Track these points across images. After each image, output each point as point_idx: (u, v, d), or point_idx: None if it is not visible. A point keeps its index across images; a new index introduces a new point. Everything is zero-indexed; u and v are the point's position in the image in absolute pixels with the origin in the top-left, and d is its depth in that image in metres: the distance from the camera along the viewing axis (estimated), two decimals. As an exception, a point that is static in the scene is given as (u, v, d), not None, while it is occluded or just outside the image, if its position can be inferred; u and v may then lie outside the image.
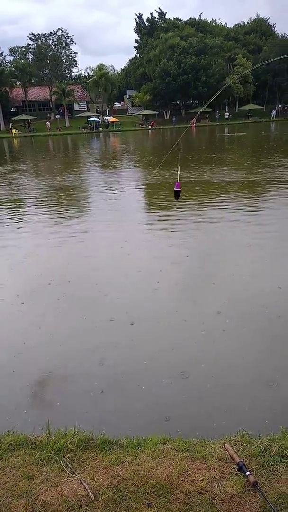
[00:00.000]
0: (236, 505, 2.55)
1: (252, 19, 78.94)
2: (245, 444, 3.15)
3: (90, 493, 2.61)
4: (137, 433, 3.46)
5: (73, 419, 3.63)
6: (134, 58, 78.76)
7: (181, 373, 4.50)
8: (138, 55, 77.22)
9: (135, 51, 79.72)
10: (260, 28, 75.13)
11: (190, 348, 5.03)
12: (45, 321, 5.74)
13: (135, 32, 78.36)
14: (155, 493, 2.63)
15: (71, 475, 2.79)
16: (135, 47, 79.06)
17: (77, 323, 5.67)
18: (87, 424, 3.53)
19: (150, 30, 75.41)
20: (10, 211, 13.56)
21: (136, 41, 78.56)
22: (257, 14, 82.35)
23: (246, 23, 79.62)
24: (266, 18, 78.09)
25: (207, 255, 8.36)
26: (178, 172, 4.49)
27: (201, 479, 2.75)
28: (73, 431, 3.30)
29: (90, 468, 2.85)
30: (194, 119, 61.60)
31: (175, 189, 4.27)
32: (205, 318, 5.69)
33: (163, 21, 76.83)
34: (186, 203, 12.61)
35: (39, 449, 3.07)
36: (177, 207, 12.17)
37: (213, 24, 79.55)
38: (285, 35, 73.61)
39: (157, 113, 66.82)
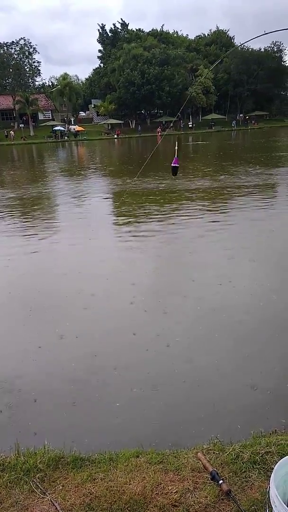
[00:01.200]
0: (210, 515, 2.54)
1: (212, 31, 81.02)
2: (217, 452, 3.16)
3: (62, 514, 2.54)
4: (109, 447, 3.41)
5: (42, 437, 3.53)
6: (98, 67, 79.07)
7: (151, 385, 4.48)
8: (102, 65, 77.57)
9: (99, 61, 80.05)
10: (220, 40, 77.11)
11: (160, 359, 5.02)
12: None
13: (99, 43, 78.79)
14: (129, 509, 2.59)
15: (42, 496, 2.70)
16: (98, 57, 79.39)
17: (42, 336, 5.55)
18: (58, 441, 3.44)
19: (113, 40, 76.01)
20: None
21: (99, 51, 78.95)
22: (217, 26, 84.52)
23: (206, 34, 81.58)
24: (225, 30, 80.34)
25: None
26: (176, 148, 4.35)
27: (174, 491, 2.73)
28: (42, 450, 3.21)
29: (61, 487, 2.77)
30: (159, 128, 62.55)
31: (172, 165, 4.22)
32: (171, 327, 5.70)
33: (125, 32, 77.65)
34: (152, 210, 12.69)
35: (7, 470, 2.95)
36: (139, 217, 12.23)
37: (175, 35, 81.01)
38: (245, 47, 76.02)
39: (122, 122, 67.23)
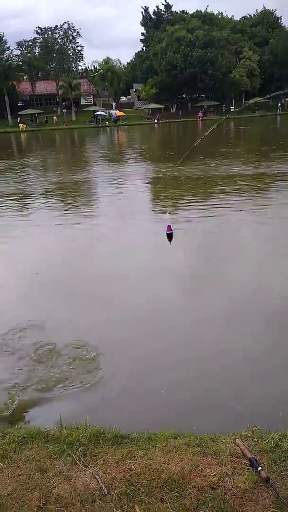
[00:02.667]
0: (248, 500, 2.55)
1: (258, 11, 77.77)
2: (256, 440, 3.14)
3: (103, 487, 2.63)
4: (147, 428, 3.48)
5: (84, 413, 3.66)
6: (140, 51, 78.09)
7: (191, 369, 4.51)
8: (144, 48, 76.59)
9: (141, 45, 79.05)
10: (267, 21, 73.99)
11: (200, 345, 5.03)
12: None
13: (142, 25, 77.72)
14: (168, 488, 2.64)
15: (84, 468, 2.81)
16: (141, 40, 78.41)
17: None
18: (97, 419, 3.55)
19: (156, 23, 74.70)
20: (16, 205, 13.60)
21: (142, 34, 77.92)
22: (263, 7, 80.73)
23: (252, 15, 78.43)
24: (272, 10, 76.92)
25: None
26: (167, 214, 4.37)
27: (213, 474, 2.75)
28: (84, 425, 3.32)
29: (102, 462, 2.86)
30: (200, 112, 61.28)
31: (167, 232, 4.15)
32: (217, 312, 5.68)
33: (169, 14, 76.05)
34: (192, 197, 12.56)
35: (51, 442, 3.09)
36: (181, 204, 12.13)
37: (220, 16, 78.38)
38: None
39: (163, 106, 66.35)
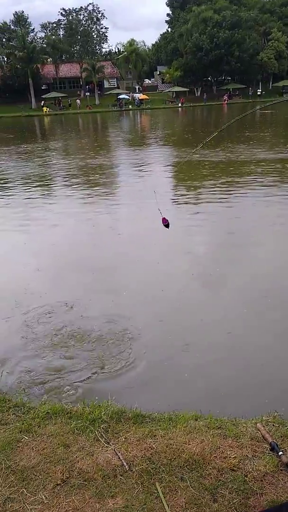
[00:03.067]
0: (268, 484, 2.56)
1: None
2: (277, 425, 3.14)
3: (125, 463, 2.68)
4: (168, 409, 3.52)
5: (105, 393, 3.72)
6: (165, 32, 76.65)
7: (212, 352, 4.52)
8: (169, 29, 75.13)
9: (166, 26, 77.64)
10: (299, -1, 71.33)
11: (222, 327, 5.02)
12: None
13: (167, 6, 76.29)
14: (188, 467, 2.67)
15: (106, 445, 2.87)
16: (166, 21, 77.11)
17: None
18: (119, 398, 3.62)
19: (182, 3, 73.03)
20: (39, 188, 13.73)
21: (168, 15, 76.61)
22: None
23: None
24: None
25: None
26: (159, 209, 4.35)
27: (233, 456, 2.77)
28: (106, 403, 3.39)
29: (124, 439, 2.92)
30: (226, 96, 59.96)
31: (164, 224, 4.17)
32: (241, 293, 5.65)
33: (196, -6, 74.18)
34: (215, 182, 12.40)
35: (74, 418, 3.16)
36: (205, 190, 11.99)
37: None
38: None
39: (187, 90, 65.25)
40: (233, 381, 4.12)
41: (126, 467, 2.66)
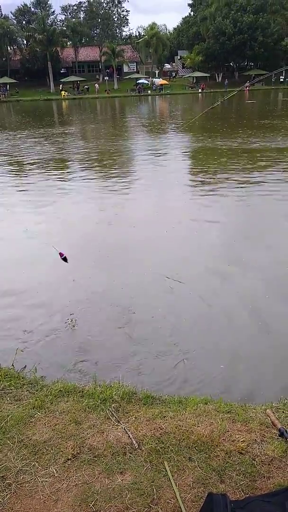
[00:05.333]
0: (276, 468, 2.58)
1: None
2: (286, 412, 3.15)
3: (134, 441, 2.73)
4: (178, 392, 3.56)
5: (117, 373, 3.78)
6: (187, 16, 75.10)
7: (222, 336, 4.52)
8: (192, 13, 73.54)
9: (189, 9, 76.01)
10: None
11: (235, 316, 5.01)
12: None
13: (190, -12, 74.38)
14: (196, 448, 2.71)
15: (116, 423, 2.92)
16: (189, 4, 75.18)
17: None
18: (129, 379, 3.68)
19: (206, -14, 71.27)
20: (56, 172, 13.77)
21: (191, -3, 74.71)
22: None
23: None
24: None
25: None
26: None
27: (241, 440, 2.79)
28: (117, 384, 3.44)
29: (134, 419, 2.97)
30: (248, 82, 58.65)
31: (61, 258, 4.21)
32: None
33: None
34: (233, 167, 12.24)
35: (86, 397, 3.22)
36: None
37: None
38: None
39: (208, 75, 64.03)
40: (244, 366, 4.13)
41: (136, 445, 2.71)
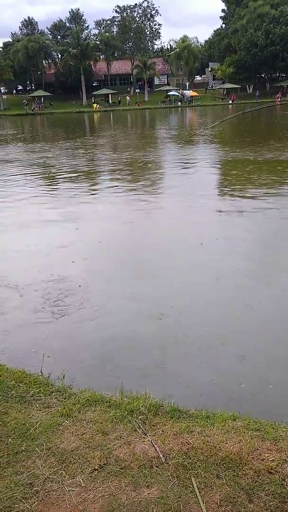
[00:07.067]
0: (307, 490, 2.50)
1: None
2: None
3: (161, 455, 2.71)
4: (205, 407, 3.51)
5: (143, 385, 3.77)
6: (219, 28, 75.24)
7: (253, 353, 4.44)
8: (223, 25, 73.73)
9: (220, 22, 76.21)
10: None
11: (264, 329, 4.92)
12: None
13: (222, 1, 74.65)
14: (224, 465, 2.66)
15: (143, 436, 2.91)
16: (221, 17, 75.46)
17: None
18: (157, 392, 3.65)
19: (238, -1, 71.39)
20: (86, 181, 14.01)
21: (223, 10, 74.94)
22: None
23: None
24: None
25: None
26: None
27: (271, 459, 2.72)
28: (144, 396, 3.43)
29: (161, 432, 2.95)
30: (279, 94, 58.07)
31: None
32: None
33: (253, -12, 72.22)
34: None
35: (113, 407, 3.23)
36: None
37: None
38: None
39: (239, 86, 63.75)
40: (277, 383, 4.03)
41: (162, 459, 2.69)
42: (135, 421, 3.06)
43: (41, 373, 3.89)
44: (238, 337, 4.78)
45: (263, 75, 67.26)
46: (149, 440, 2.86)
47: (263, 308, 5.41)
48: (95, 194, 12.34)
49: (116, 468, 2.65)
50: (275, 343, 4.68)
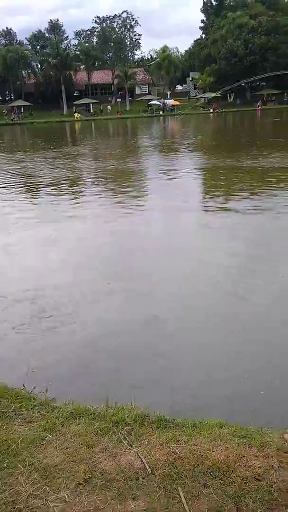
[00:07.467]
0: (294, 496, 2.48)
1: None
2: (305, 436, 3.05)
3: (147, 466, 2.66)
4: (191, 415, 3.47)
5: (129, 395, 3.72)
6: (199, 39, 76.58)
7: (239, 364, 4.44)
8: (203, 35, 75.03)
9: (200, 32, 77.54)
10: None
11: (252, 335, 4.94)
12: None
13: (202, 12, 76.06)
14: (211, 474, 2.62)
15: (129, 447, 2.86)
16: (200, 27, 76.87)
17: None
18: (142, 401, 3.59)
19: (217, 9, 72.75)
20: (67, 192, 13.96)
21: (202, 21, 76.33)
22: None
23: None
24: None
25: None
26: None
27: (258, 465, 2.70)
28: (130, 406, 3.38)
29: (147, 442, 2.90)
30: (260, 101, 59.21)
31: None
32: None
33: (231, 0, 73.77)
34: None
35: (98, 419, 3.17)
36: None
37: (286, 1, 74.69)
38: None
39: (220, 95, 64.72)
40: (262, 390, 4.03)
41: (149, 470, 2.64)
42: (121, 432, 3.00)
43: (24, 387, 3.80)
44: (224, 344, 4.78)
45: (243, 84, 68.37)
46: (135, 451, 2.81)
47: (243, 315, 5.44)
48: (77, 204, 12.25)
49: (102, 481, 2.59)
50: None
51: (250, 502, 2.42)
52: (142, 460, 2.72)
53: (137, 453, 2.79)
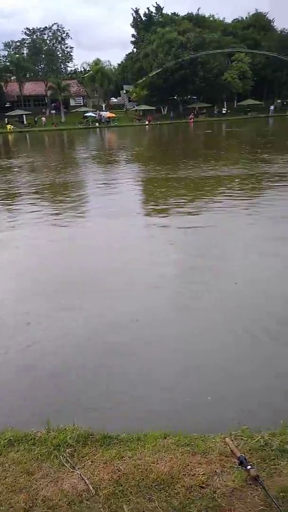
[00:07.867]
0: (237, 499, 2.54)
1: (250, 14, 78.25)
2: (245, 439, 3.13)
3: (91, 487, 2.59)
4: (136, 427, 3.45)
5: (71, 415, 3.61)
6: (131, 52, 78.11)
7: (181, 365, 4.50)
8: (135, 50, 76.60)
9: (132, 46, 79.02)
10: (258, 23, 74.48)
11: (192, 340, 5.02)
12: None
13: (132, 27, 77.66)
14: (156, 487, 2.61)
15: (71, 470, 2.77)
16: (132, 42, 78.39)
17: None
18: (86, 420, 3.50)
19: (147, 25, 74.72)
20: (2, 206, 13.49)
21: (133, 35, 77.94)
22: (255, 9, 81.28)
23: (244, 18, 78.95)
24: (265, 12, 77.52)
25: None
26: None
27: (202, 473, 2.73)
28: (72, 427, 3.28)
29: (90, 463, 2.83)
30: (192, 114, 61.53)
31: None
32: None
33: (160, 16, 76.16)
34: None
35: (38, 444, 3.04)
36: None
37: (211, 19, 78.75)
38: (284, 30, 72.96)
39: (154, 108, 66.35)
40: (203, 395, 4.10)
41: (93, 491, 2.57)
42: (62, 455, 2.90)
43: None
44: (175, 355, 4.82)
45: (175, 97, 70.70)
46: (78, 473, 2.73)
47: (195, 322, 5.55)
48: (13, 221, 11.76)
49: (43, 509, 2.48)
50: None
51: (195, 511, 2.43)
52: (85, 482, 2.64)
53: (80, 475, 2.71)
